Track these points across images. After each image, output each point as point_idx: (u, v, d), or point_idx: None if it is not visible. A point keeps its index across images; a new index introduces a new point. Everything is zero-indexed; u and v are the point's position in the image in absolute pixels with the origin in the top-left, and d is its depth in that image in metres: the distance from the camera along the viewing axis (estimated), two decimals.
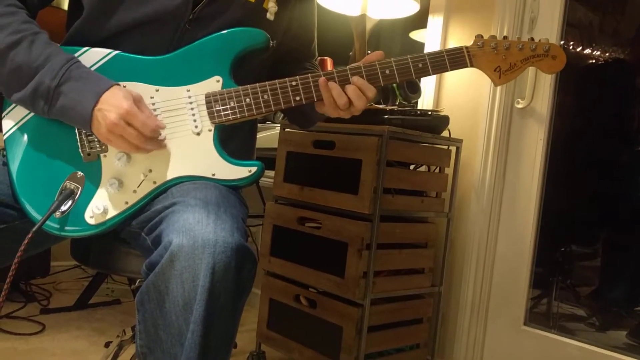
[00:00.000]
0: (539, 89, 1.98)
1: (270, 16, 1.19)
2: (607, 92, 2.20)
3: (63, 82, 1.01)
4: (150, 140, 1.03)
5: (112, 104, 1.00)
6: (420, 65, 1.12)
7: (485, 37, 1.14)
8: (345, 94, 1.10)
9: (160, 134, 1.05)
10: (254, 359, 2.10)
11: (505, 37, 1.16)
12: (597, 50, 2.16)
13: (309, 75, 1.11)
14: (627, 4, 2.15)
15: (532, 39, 1.15)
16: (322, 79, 1.10)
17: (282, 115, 2.16)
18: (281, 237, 2.00)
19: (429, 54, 1.13)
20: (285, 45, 1.28)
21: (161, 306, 0.91)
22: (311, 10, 1.35)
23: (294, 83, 1.10)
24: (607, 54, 2.15)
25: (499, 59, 1.14)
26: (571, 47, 2.15)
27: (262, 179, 2.36)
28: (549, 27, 1.96)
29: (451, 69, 1.14)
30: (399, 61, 1.12)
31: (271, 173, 2.04)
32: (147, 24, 1.10)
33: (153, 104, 1.08)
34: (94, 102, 1.00)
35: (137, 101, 1.03)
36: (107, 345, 2.08)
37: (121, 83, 1.06)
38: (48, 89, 1.01)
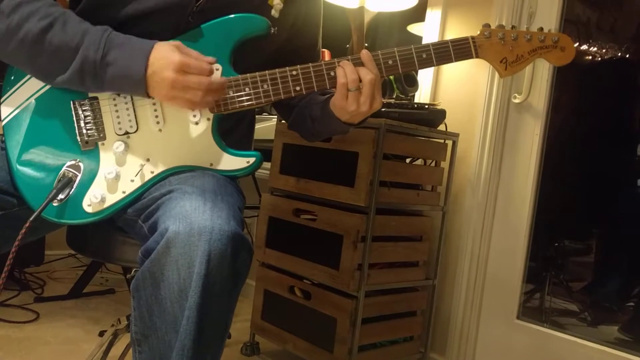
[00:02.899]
0: (536, 84, 1.98)
1: (275, 13, 1.17)
2: (604, 89, 2.21)
3: (107, 52, 1.00)
4: (212, 90, 1.02)
5: (163, 64, 0.99)
6: (424, 55, 1.10)
7: (493, 27, 1.10)
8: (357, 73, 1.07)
9: (215, 72, 1.03)
10: (247, 349, 2.11)
11: (513, 27, 1.11)
12: (595, 47, 2.16)
13: (310, 64, 1.10)
14: (625, 0, 2.15)
15: (542, 29, 1.11)
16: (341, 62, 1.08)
17: None
18: (276, 228, 2.00)
19: (434, 44, 1.10)
20: (290, 43, 1.26)
21: (156, 293, 0.91)
22: (317, 11, 1.31)
23: (294, 72, 1.09)
24: (605, 51, 2.16)
25: (506, 50, 1.10)
26: None
27: (258, 170, 2.36)
28: (547, 23, 1.96)
29: (456, 60, 1.10)
30: (402, 51, 1.10)
31: (267, 164, 2.04)
32: (150, 16, 1.09)
33: None
34: (144, 65, 0.99)
35: (181, 48, 1.02)
36: (101, 334, 2.08)
37: None
38: (94, 62, 1.00)
